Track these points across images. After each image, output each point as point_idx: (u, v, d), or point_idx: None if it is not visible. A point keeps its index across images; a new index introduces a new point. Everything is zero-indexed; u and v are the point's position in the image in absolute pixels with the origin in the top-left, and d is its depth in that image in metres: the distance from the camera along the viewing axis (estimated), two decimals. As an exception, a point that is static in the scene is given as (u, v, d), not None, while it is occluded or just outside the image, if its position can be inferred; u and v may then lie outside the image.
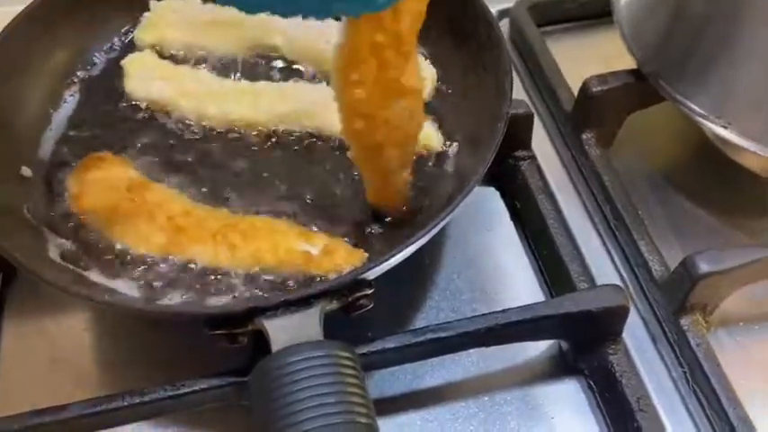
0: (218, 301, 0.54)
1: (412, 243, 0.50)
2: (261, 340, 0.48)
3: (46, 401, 0.57)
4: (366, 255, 0.57)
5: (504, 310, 0.54)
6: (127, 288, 0.56)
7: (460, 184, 0.57)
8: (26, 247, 0.55)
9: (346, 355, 0.44)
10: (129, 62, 0.68)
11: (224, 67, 0.71)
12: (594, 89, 0.69)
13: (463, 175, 0.60)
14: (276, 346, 0.44)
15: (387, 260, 0.49)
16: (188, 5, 0.71)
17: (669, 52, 0.66)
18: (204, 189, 0.62)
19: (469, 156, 0.61)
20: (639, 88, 0.69)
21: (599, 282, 0.63)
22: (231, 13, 0.71)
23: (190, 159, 0.64)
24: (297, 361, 0.42)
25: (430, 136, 0.64)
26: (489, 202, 0.70)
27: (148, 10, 0.71)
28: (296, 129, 0.65)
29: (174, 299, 0.55)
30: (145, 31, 0.71)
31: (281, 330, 0.45)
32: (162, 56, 0.71)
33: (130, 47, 0.72)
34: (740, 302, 0.61)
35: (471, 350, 0.57)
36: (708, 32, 0.62)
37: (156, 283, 0.56)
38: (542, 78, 0.78)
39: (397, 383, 0.59)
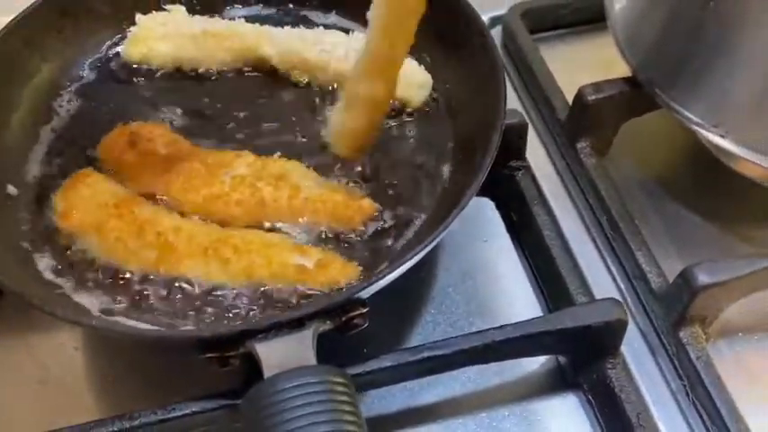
0: (209, 321, 0.53)
1: (408, 260, 0.49)
2: (254, 362, 0.47)
3: (34, 425, 0.57)
4: (360, 268, 0.56)
5: (500, 327, 0.53)
6: (116, 308, 0.54)
7: (456, 196, 0.56)
8: (12, 268, 0.54)
9: (340, 380, 0.42)
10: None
11: (213, 79, 0.70)
12: (589, 98, 0.68)
13: (458, 186, 0.59)
14: (268, 371, 0.43)
15: (381, 278, 0.48)
16: (175, 19, 0.70)
17: (664, 59, 0.65)
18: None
19: (464, 166, 0.60)
20: (635, 96, 0.68)
21: (597, 293, 0.62)
22: (220, 24, 0.71)
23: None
24: (289, 388, 0.41)
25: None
26: (484, 213, 0.69)
27: (135, 23, 0.70)
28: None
29: (164, 319, 0.53)
30: (132, 46, 0.70)
31: (273, 354, 0.44)
32: (150, 69, 0.70)
33: (118, 59, 0.71)
34: (739, 313, 0.61)
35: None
36: (703, 39, 0.62)
37: (146, 303, 0.54)
38: (536, 86, 0.77)
39: (393, 401, 0.58)
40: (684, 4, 0.63)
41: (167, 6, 0.71)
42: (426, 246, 0.49)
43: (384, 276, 0.48)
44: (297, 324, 0.45)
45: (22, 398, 0.59)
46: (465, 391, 0.59)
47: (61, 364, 0.61)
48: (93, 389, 0.60)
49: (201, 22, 0.70)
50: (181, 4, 0.72)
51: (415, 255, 0.49)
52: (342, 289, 0.54)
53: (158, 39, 0.70)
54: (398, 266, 0.49)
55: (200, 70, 0.70)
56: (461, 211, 0.51)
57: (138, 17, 0.70)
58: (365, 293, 0.48)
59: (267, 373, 0.43)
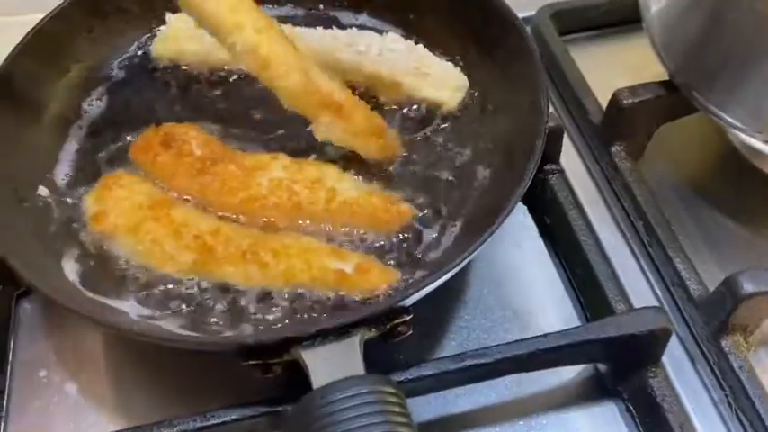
0: (249, 328, 0.52)
1: (452, 268, 0.48)
2: (295, 369, 0.46)
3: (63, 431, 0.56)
4: (399, 273, 0.55)
5: (544, 335, 0.52)
6: (152, 312, 0.54)
7: (495, 201, 0.55)
8: (46, 271, 0.53)
9: (391, 390, 0.42)
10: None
11: (243, 79, 0.69)
12: (625, 101, 0.67)
13: (497, 190, 0.58)
14: (317, 380, 0.42)
15: (426, 286, 0.47)
16: None
17: (703, 63, 0.64)
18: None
19: (502, 169, 0.60)
20: (671, 100, 0.67)
21: (634, 301, 0.61)
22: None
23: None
24: (341, 399, 0.40)
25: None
26: (517, 218, 0.68)
27: (165, 23, 0.69)
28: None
29: (202, 324, 0.53)
30: (162, 45, 0.69)
31: (321, 362, 0.43)
32: (179, 69, 0.69)
33: (148, 58, 0.70)
34: (780, 321, 0.60)
35: (506, 374, 0.55)
36: (744, 42, 0.61)
37: (183, 307, 0.54)
38: (568, 89, 0.76)
39: (429, 408, 0.57)
40: (726, 6, 0.62)
41: None
42: (471, 252, 0.49)
43: (430, 283, 0.47)
44: (343, 332, 0.44)
45: (50, 401, 0.58)
46: (502, 399, 0.58)
47: (88, 366, 0.60)
48: (122, 393, 0.59)
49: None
50: (212, 3, 0.71)
51: (461, 262, 0.48)
52: (382, 295, 0.53)
53: (188, 38, 0.69)
54: (444, 273, 0.48)
55: (230, 70, 0.69)
56: (505, 220, 0.50)
57: (168, 17, 0.69)
58: (409, 301, 0.48)
59: (316, 383, 0.42)
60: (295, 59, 0.57)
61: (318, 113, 0.58)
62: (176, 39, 0.69)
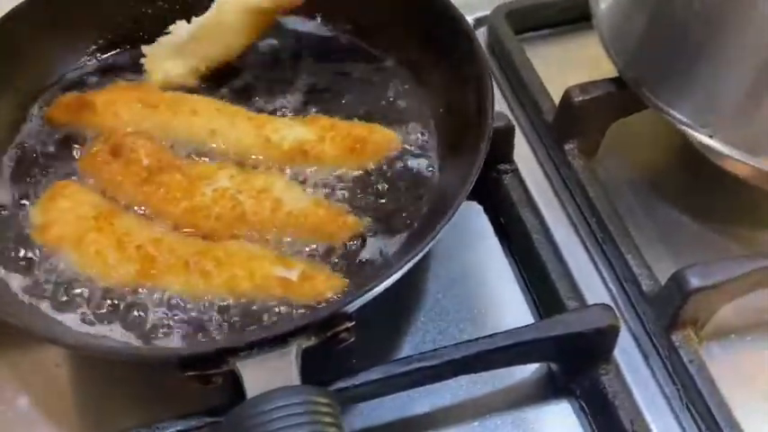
0: (191, 338, 0.52)
1: (393, 273, 0.48)
2: (237, 380, 0.46)
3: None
4: (346, 280, 0.55)
5: (490, 336, 0.52)
6: (95, 324, 0.53)
7: (443, 205, 0.55)
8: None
9: (324, 400, 0.41)
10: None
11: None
12: (576, 99, 0.67)
13: (446, 194, 0.58)
14: (251, 390, 0.42)
15: (366, 292, 0.47)
16: (178, 35, 0.67)
17: (650, 59, 0.64)
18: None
19: (451, 173, 0.59)
20: (622, 96, 0.67)
21: (588, 298, 0.61)
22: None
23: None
24: (271, 410, 0.39)
25: None
26: (472, 217, 0.68)
27: (119, 27, 0.69)
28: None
29: (145, 336, 0.52)
30: (154, 76, 0.67)
31: (256, 373, 0.43)
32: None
33: (101, 67, 0.69)
34: (731, 314, 0.60)
35: (459, 375, 0.55)
36: (689, 39, 0.61)
37: (127, 319, 0.53)
38: (522, 88, 0.76)
39: (384, 412, 0.57)
40: (669, 3, 0.62)
41: (170, 27, 0.68)
42: (411, 258, 0.48)
43: (370, 290, 0.47)
44: (280, 341, 0.44)
45: (4, 417, 0.57)
46: (457, 400, 0.58)
47: (44, 381, 0.59)
48: (77, 406, 0.58)
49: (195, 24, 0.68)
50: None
51: (401, 268, 0.48)
52: (327, 303, 0.52)
53: (169, 59, 0.67)
54: (384, 280, 0.47)
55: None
56: (449, 222, 0.50)
57: (144, 49, 0.68)
58: (351, 308, 0.47)
59: (249, 393, 0.42)
60: None
61: None
62: (160, 66, 0.67)
